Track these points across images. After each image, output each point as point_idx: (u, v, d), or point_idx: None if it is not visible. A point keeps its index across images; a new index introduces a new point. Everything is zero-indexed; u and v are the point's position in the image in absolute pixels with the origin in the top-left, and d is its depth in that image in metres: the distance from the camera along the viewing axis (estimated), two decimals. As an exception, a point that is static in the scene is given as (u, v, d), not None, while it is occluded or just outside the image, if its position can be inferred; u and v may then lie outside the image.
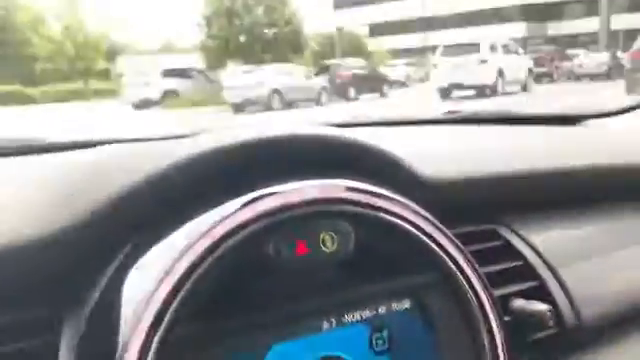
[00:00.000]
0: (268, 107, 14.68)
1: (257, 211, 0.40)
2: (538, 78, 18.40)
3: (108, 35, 36.21)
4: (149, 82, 17.47)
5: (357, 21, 50.01)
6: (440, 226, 0.47)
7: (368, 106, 14.69)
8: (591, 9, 36.81)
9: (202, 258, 0.38)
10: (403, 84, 25.22)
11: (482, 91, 14.91)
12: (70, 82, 33.63)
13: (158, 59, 32.60)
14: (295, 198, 0.41)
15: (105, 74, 38.02)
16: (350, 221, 0.44)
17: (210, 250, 0.39)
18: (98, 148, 0.71)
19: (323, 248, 0.43)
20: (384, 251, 0.46)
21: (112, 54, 38.89)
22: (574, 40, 35.81)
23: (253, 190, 0.42)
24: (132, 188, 0.43)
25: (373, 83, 18.85)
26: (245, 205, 0.41)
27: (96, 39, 34.45)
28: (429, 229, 0.46)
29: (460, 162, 0.63)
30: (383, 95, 18.76)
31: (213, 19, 25.77)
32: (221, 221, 0.40)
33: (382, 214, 0.44)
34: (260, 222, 0.40)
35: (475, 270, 0.47)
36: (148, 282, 0.38)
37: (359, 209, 0.43)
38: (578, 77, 23.34)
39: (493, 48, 15.20)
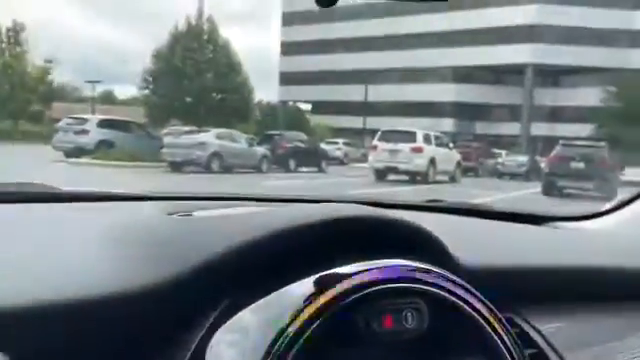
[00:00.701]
0: (207, 169, 14.62)
1: (353, 284, 0.44)
2: (464, 171, 19.68)
3: (46, 78, 35.22)
4: (85, 130, 16.95)
5: (301, 97, 51.93)
6: (496, 311, 0.53)
7: (308, 179, 14.99)
8: (515, 115, 40.57)
9: (304, 325, 0.41)
10: (341, 162, 26.03)
11: (414, 177, 15.72)
12: (-2, 122, 31.95)
13: (97, 108, 31.89)
14: (389, 275, 0.46)
15: (38, 117, 36.51)
16: (426, 300, 0.49)
17: (312, 318, 0.41)
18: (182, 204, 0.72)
19: (404, 324, 0.48)
20: (449, 329, 0.51)
21: (48, 98, 37.63)
22: (498, 140, 38.97)
23: (333, 264, 0.46)
24: (227, 252, 0.47)
25: (313, 158, 19.36)
26: (343, 278, 0.44)
27: (34, 81, 33.37)
28: (487, 314, 0.52)
29: (470, 252, 0.68)
30: (321, 170, 19.25)
31: (160, 76, 25.86)
32: (323, 291, 0.43)
33: (454, 297, 0.51)
34: (354, 295, 0.43)
35: (522, 354, 0.54)
36: (247, 349, 0.40)
37: (437, 290, 0.49)
38: (500, 174, 25.20)
39: (427, 138, 16.24)
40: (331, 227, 0.50)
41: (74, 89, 54.85)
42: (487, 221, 1.03)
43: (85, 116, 18.97)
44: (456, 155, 18.08)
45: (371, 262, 0.47)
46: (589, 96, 33.46)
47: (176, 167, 14.93)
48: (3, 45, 32.62)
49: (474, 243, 0.77)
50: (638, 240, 0.97)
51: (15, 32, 32.59)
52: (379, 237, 0.52)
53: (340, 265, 0.47)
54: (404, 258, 0.50)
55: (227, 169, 15.13)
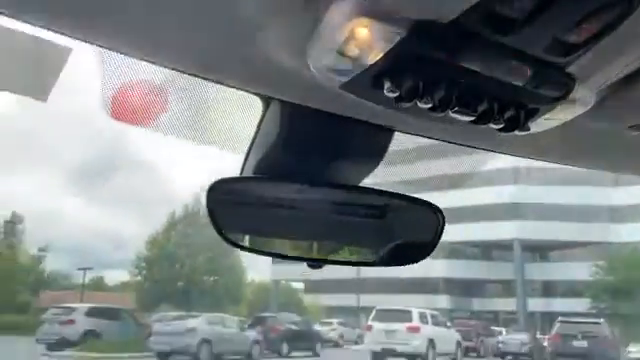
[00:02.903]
0: (196, 358, 13.91)
1: None
2: (466, 352, 18.83)
3: (37, 267, 35.30)
4: (71, 320, 16.45)
5: (293, 276, 51.73)
6: None
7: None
8: (509, 290, 40.29)
9: None
10: (336, 344, 24.91)
11: (413, 359, 14.98)
12: (-19, 313, 30.98)
13: (86, 295, 31.34)
14: None
15: (25, 308, 35.57)
16: None
17: None
18: None
19: None
20: None
21: (37, 288, 37.17)
22: (496, 317, 38.05)
23: None
24: None
25: (306, 340, 18.60)
26: None
27: (25, 272, 33.35)
28: None
29: None
30: (315, 354, 18.34)
31: (154, 262, 26.09)
32: None
33: None
34: None
35: None
36: None
37: None
38: (503, 355, 24.04)
39: (423, 317, 15.85)
40: None
41: (64, 277, 54.49)
42: None
43: (73, 305, 18.57)
44: (455, 334, 17.51)
45: None
46: (579, 270, 33.79)
47: (163, 357, 14.21)
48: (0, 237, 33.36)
49: None
50: None
51: (12, 224, 33.63)
52: None
53: None
54: None
55: (217, 357, 14.41)
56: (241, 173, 0.91)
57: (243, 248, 0.95)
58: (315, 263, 0.96)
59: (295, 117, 0.81)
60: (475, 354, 21.77)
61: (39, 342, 16.62)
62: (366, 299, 33.43)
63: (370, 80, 0.57)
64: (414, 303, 25.89)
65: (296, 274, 49.85)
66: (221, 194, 0.87)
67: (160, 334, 14.52)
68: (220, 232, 0.86)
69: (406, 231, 1.02)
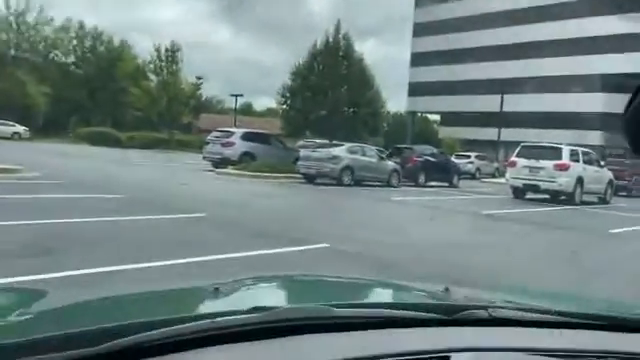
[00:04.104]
0: (339, 181, 15.07)
1: None
2: (616, 191, 17.80)
3: (197, 93, 38.99)
4: (231, 142, 18.41)
5: (430, 108, 50.96)
6: None
7: (440, 195, 14.71)
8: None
9: None
10: (473, 176, 25.09)
11: (557, 197, 14.61)
12: (157, 131, 36.06)
13: (238, 119, 34.56)
14: None
15: (188, 128, 40.51)
16: None
17: None
18: None
19: None
20: None
21: (197, 110, 41.56)
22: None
23: None
24: None
25: (444, 172, 18.94)
26: None
27: (186, 96, 37.11)
28: None
29: None
30: (452, 185, 18.75)
31: (298, 92, 27.20)
32: None
33: None
34: None
35: None
36: None
37: None
38: (657, 193, 22.33)
39: (574, 155, 14.96)
40: None
41: (218, 102, 59.96)
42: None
43: (231, 129, 20.58)
44: (607, 173, 16.41)
45: None
46: None
47: (310, 179, 15.60)
48: (163, 64, 36.75)
49: None
50: None
51: (172, 52, 36.58)
52: None
53: None
54: None
55: (358, 182, 15.44)
56: None
57: None
58: None
59: None
60: (625, 193, 20.58)
61: (205, 159, 19.15)
62: (507, 133, 32.17)
63: None
64: (562, 139, 24.42)
65: (433, 106, 49.01)
66: None
67: (307, 159, 15.76)
68: None
69: None
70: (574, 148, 15.31)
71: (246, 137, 18.88)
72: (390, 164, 16.86)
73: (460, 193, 16.50)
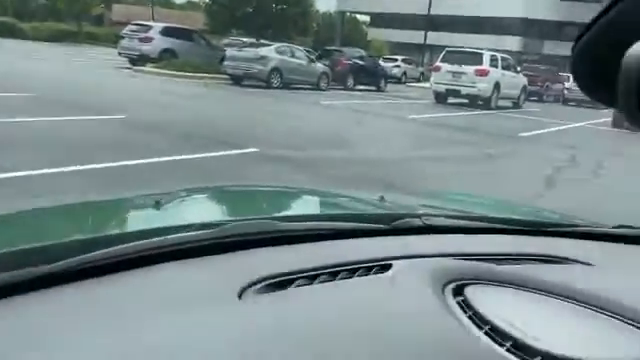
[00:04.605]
0: (267, 84, 14.71)
1: None
2: (529, 96, 18.87)
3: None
4: (149, 37, 17.13)
5: (359, 8, 49.72)
6: None
7: (367, 99, 14.87)
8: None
9: None
10: (399, 81, 25.42)
11: (475, 101, 15.27)
12: (63, 23, 32.66)
13: (156, 11, 31.90)
14: None
15: (99, 19, 37.00)
16: None
17: None
18: None
19: None
20: None
21: (109, 0, 37.82)
22: (565, 62, 36.48)
23: None
24: None
25: (372, 76, 19.00)
26: None
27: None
28: None
29: None
30: (380, 89, 18.95)
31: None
32: None
33: None
34: None
35: None
36: None
37: None
38: (565, 100, 23.98)
39: (494, 60, 15.50)
40: None
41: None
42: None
43: (149, 23, 19.03)
44: (522, 79, 17.28)
45: None
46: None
47: (237, 80, 15.08)
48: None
49: None
50: None
51: None
52: None
53: None
54: None
55: (286, 85, 15.16)
56: None
57: None
58: None
59: None
60: (536, 98, 21.87)
61: (121, 55, 17.79)
62: (434, 37, 32.34)
63: None
64: (483, 43, 25.00)
65: (363, 6, 47.77)
66: None
67: (233, 59, 15.09)
68: None
69: None
70: (494, 54, 15.82)
71: (166, 32, 17.59)
72: (319, 66, 16.60)
73: (387, 97, 16.77)
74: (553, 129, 11.79)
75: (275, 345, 0.53)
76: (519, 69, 17.93)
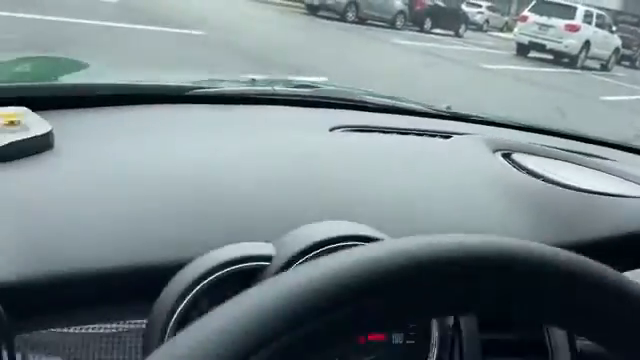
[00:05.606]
0: (342, 17, 14.38)
1: None
2: (621, 60, 17.47)
3: None
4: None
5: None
6: None
7: (444, 43, 14.26)
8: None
9: None
10: (480, 28, 24.11)
11: (560, 59, 14.34)
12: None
13: None
14: None
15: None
16: None
17: None
18: None
19: None
20: None
21: None
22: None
23: None
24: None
25: (451, 20, 18.14)
26: None
27: None
28: None
29: None
30: (458, 35, 18.10)
31: None
32: None
33: None
34: None
35: None
36: None
37: None
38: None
39: (588, 16, 14.34)
40: None
41: None
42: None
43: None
44: (616, 40, 15.93)
45: None
46: None
47: (313, 10, 14.81)
48: None
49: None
50: None
51: None
52: None
53: None
54: None
55: (361, 20, 14.78)
56: None
57: None
58: None
59: None
60: (629, 63, 20.23)
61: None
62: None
63: None
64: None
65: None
66: None
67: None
68: None
69: None
70: (589, 9, 14.61)
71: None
72: (397, 4, 15.97)
73: (465, 44, 16.01)
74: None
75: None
76: (614, 29, 16.52)
